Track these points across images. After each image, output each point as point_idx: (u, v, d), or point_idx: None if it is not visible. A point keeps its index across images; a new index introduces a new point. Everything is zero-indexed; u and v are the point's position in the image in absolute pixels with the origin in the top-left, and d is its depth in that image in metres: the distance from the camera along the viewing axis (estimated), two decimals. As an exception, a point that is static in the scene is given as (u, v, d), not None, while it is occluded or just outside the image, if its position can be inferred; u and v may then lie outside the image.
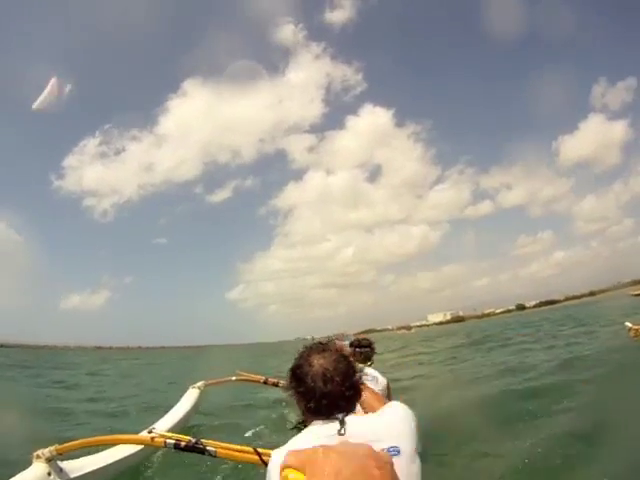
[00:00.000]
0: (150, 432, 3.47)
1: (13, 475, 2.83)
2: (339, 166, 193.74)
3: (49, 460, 3.00)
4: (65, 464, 3.16)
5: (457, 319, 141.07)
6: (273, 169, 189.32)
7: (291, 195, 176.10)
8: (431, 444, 4.05)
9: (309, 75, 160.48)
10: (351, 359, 1.51)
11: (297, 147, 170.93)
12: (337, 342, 1.60)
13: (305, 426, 1.43)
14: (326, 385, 1.38)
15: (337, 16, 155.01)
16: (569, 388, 6.74)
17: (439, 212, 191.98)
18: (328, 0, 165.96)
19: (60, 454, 3.08)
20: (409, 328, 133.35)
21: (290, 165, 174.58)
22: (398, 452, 1.23)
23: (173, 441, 3.13)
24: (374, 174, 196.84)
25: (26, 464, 2.97)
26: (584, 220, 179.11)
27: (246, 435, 6.01)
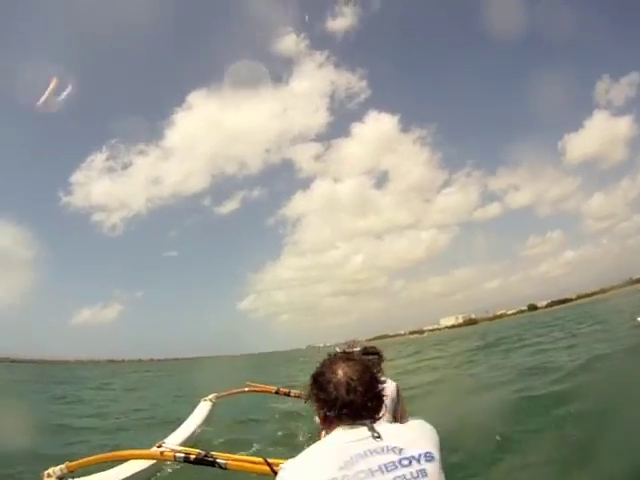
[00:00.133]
0: (160, 446, 3.43)
1: None
2: (346, 174, 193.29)
3: (60, 478, 2.98)
4: (76, 482, 3.13)
5: (469, 322, 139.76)
6: (280, 179, 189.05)
7: (299, 204, 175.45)
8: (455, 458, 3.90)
9: (313, 84, 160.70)
10: (375, 370, 1.49)
11: (303, 156, 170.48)
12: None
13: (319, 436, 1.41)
14: (349, 394, 1.36)
15: (339, 24, 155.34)
16: (598, 390, 6.39)
17: (448, 216, 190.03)
18: (330, 9, 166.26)
19: (71, 472, 3.06)
20: (422, 332, 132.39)
21: (297, 174, 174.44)
22: (432, 458, 1.25)
23: (182, 455, 3.09)
24: (381, 180, 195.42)
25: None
26: (593, 218, 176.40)
27: (256, 446, 5.91)
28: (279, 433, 6.67)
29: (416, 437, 1.31)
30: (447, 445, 1.50)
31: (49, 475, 2.96)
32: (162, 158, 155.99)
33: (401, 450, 1.24)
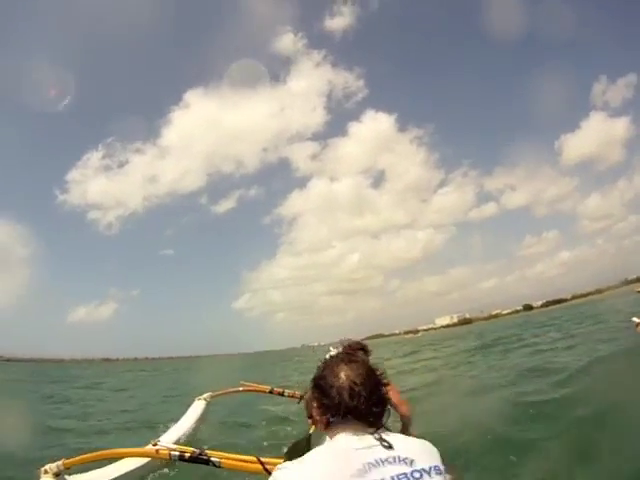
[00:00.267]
0: (155, 445, 3.47)
1: None
2: (343, 173, 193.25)
3: (57, 475, 3.01)
4: (72, 478, 3.17)
5: (464, 321, 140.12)
6: (277, 178, 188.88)
7: (295, 203, 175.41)
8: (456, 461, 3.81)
9: (310, 83, 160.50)
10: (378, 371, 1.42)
11: (300, 155, 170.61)
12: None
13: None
14: (352, 399, 1.29)
15: (337, 23, 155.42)
16: (597, 391, 6.26)
17: (444, 215, 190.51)
18: (328, 8, 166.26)
19: (67, 468, 3.09)
20: (416, 332, 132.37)
21: (294, 173, 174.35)
22: (441, 472, 1.23)
23: (177, 453, 3.14)
24: (378, 180, 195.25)
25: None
26: (589, 218, 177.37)
27: (249, 445, 5.86)
28: (271, 432, 6.69)
29: (425, 450, 1.28)
30: (447, 447, 1.49)
31: (46, 471, 2.98)
32: (159, 156, 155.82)
33: (412, 462, 1.20)
